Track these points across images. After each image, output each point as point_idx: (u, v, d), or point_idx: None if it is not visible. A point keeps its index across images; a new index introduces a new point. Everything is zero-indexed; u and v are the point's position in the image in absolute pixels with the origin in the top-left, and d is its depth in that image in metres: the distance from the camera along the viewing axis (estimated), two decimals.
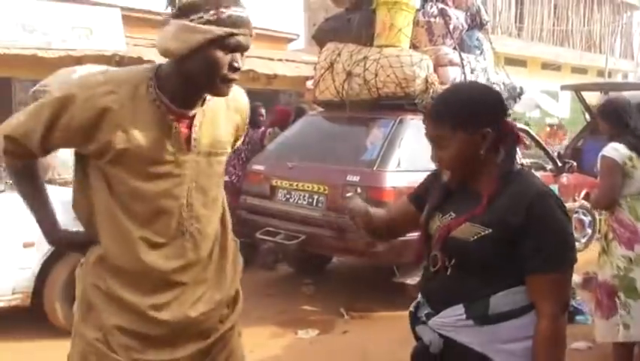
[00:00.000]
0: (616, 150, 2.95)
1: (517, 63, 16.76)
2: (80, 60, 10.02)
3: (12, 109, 10.69)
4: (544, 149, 6.64)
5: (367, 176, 4.48)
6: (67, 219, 4.16)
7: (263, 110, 6.81)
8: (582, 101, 9.61)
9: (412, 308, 1.62)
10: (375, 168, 4.53)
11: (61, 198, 4.45)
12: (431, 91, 4.96)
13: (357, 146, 4.82)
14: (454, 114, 1.46)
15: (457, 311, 1.47)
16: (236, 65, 1.47)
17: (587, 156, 8.74)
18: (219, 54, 1.44)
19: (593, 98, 10.67)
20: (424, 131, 1.54)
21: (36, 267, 3.84)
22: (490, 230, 1.43)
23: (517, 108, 13.73)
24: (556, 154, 9.06)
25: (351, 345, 3.80)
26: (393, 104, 4.97)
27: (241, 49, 1.48)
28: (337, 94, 5.17)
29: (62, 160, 8.66)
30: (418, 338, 1.59)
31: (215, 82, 1.48)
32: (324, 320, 4.40)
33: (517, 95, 5.91)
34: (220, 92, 1.52)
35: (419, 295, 1.63)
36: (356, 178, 4.49)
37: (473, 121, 1.46)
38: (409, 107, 4.91)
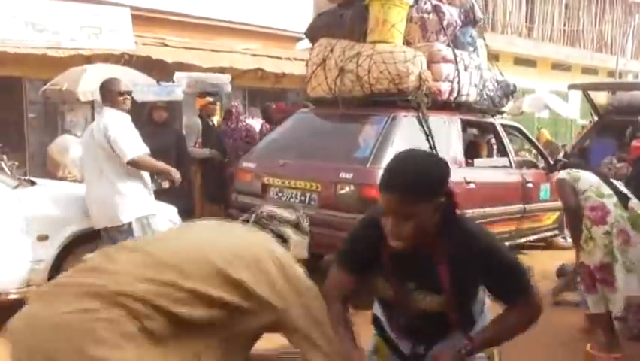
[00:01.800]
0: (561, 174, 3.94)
1: (526, 63, 16.62)
2: (89, 59, 10.18)
3: (23, 108, 10.88)
4: (537, 148, 6.61)
5: (360, 173, 4.48)
6: (73, 214, 4.20)
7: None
8: (589, 100, 9.52)
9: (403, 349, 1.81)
10: (368, 166, 4.52)
11: (71, 193, 4.55)
12: (424, 88, 4.97)
13: (350, 143, 4.83)
14: (415, 183, 1.50)
15: (458, 341, 1.66)
16: None
17: (594, 155, 8.66)
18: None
19: (602, 98, 10.56)
20: (382, 204, 1.56)
21: (50, 260, 3.96)
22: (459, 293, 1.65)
23: (525, 109, 13.69)
24: (562, 153, 9.04)
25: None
26: (386, 101, 4.97)
27: None
28: (330, 90, 5.17)
29: (72, 159, 8.81)
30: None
31: None
32: None
33: (510, 92, 5.89)
34: None
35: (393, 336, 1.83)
36: (349, 175, 4.49)
37: (433, 192, 1.53)
38: (402, 104, 4.92)
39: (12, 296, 3.88)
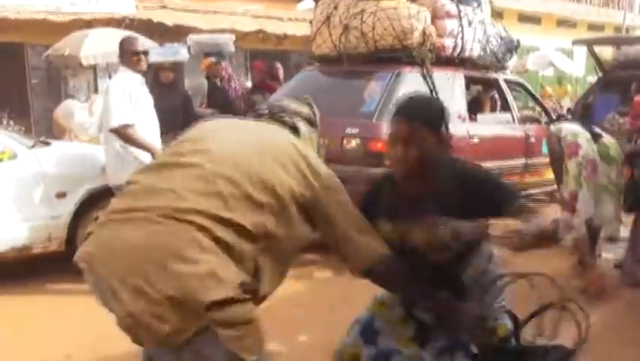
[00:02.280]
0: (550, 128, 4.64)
1: (531, 20, 16.43)
2: (90, 23, 10.12)
3: (26, 74, 10.89)
4: (540, 103, 6.64)
5: (366, 127, 4.57)
6: (88, 172, 4.13)
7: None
8: (594, 55, 9.45)
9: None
10: (374, 120, 4.61)
11: (85, 152, 4.64)
12: (428, 43, 4.99)
13: (355, 99, 4.89)
14: (423, 115, 1.71)
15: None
16: None
17: (598, 111, 8.66)
18: None
19: (607, 53, 10.48)
20: (391, 130, 1.73)
21: (68, 216, 4.13)
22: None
23: (530, 67, 13.59)
24: (566, 109, 9.03)
25: (362, 286, 3.98)
26: (391, 57, 5.00)
27: None
28: (334, 48, 5.20)
29: (78, 123, 8.88)
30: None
31: None
32: (337, 265, 4.57)
33: (514, 48, 5.91)
34: None
35: None
36: (355, 130, 4.58)
37: (435, 122, 1.72)
38: (407, 60, 4.96)
39: (35, 250, 4.07)
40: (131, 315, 1.40)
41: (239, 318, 1.41)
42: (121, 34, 9.51)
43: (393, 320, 1.85)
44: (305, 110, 1.90)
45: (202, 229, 1.44)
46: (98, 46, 8.96)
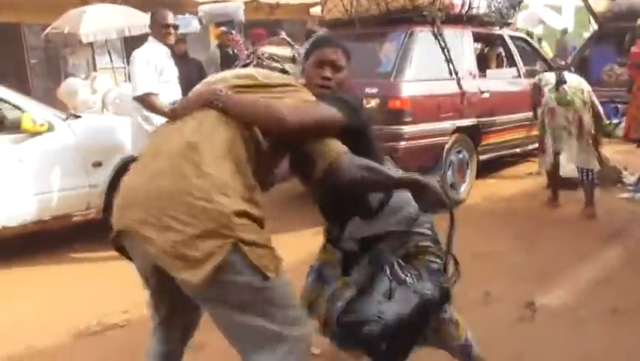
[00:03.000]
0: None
1: None
2: (86, 0, 10.07)
3: (24, 54, 10.86)
4: (541, 56, 6.81)
5: (385, 87, 4.73)
6: (120, 142, 4.34)
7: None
8: (588, 7, 9.58)
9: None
10: (392, 79, 4.78)
11: (113, 124, 4.71)
12: (438, 2, 5.14)
13: (371, 60, 5.02)
14: (346, 47, 1.97)
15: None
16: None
17: (594, 65, 8.87)
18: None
19: (600, 6, 10.61)
20: (325, 55, 1.89)
21: (104, 185, 4.27)
22: None
23: (520, 25, 13.66)
24: (564, 63, 9.21)
25: None
26: (402, 18, 5.14)
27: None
28: (346, 12, 5.33)
29: (83, 100, 8.91)
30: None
31: None
32: None
33: (517, 3, 6.08)
34: None
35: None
36: (374, 90, 4.72)
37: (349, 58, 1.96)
38: (418, 20, 5.11)
39: (75, 219, 4.24)
40: (167, 248, 1.50)
41: (259, 240, 1.56)
42: (118, 9, 9.53)
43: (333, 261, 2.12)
44: (289, 53, 2.12)
45: (217, 155, 1.57)
46: (96, 23, 8.96)
